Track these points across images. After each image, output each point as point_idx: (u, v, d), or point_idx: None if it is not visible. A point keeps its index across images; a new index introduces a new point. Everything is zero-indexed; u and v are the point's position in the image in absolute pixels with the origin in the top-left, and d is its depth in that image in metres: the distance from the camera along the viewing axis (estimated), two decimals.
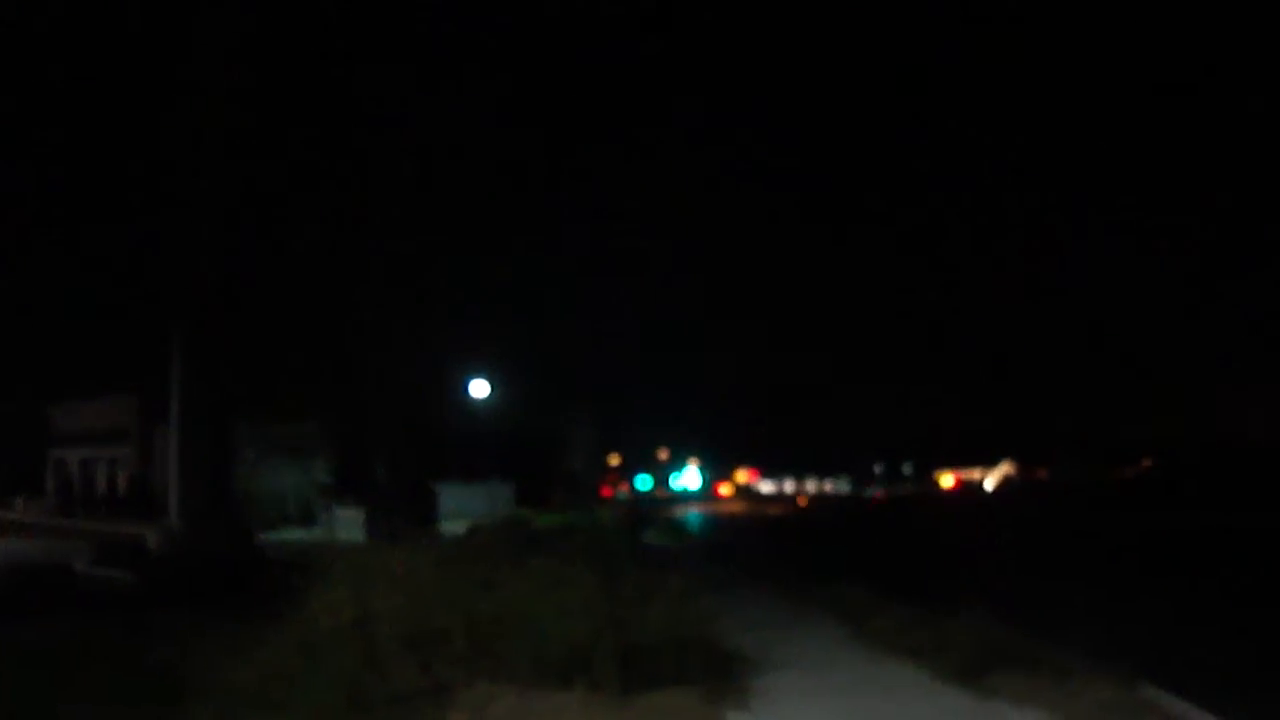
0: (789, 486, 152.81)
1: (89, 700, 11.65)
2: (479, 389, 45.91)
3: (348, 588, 12.84)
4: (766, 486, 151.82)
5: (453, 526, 33.00)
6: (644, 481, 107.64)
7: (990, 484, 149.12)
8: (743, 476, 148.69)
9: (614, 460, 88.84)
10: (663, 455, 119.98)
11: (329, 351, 37.65)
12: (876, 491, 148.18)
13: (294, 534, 34.42)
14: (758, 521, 68.10)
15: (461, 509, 36.58)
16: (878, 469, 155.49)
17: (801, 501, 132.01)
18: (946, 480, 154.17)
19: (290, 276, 32.60)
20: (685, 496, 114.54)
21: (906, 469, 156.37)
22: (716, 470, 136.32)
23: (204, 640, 12.52)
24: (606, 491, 75.17)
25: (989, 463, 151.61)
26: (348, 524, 33.90)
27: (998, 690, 11.72)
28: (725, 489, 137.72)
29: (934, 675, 12.64)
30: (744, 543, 42.95)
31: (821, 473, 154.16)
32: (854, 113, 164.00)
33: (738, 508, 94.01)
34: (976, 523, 62.29)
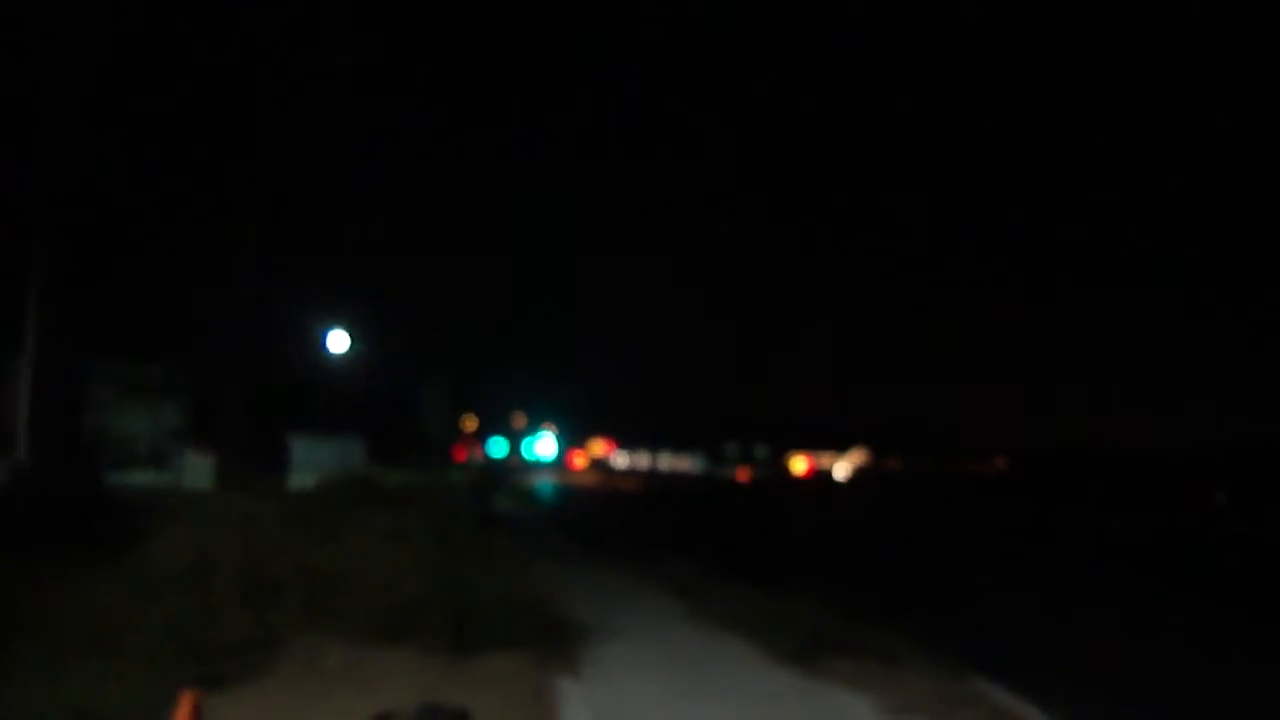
0: (644, 461, 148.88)
1: None
2: (338, 342, 45.67)
3: (188, 534, 12.89)
4: (621, 460, 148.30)
5: (302, 479, 32.85)
6: (498, 447, 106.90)
7: (841, 472, 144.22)
8: (599, 447, 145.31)
9: (470, 424, 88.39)
10: (519, 422, 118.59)
11: (189, 293, 37.29)
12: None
13: (144, 477, 34.10)
14: (613, 493, 67.82)
15: (312, 462, 36.24)
16: (732, 449, 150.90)
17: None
18: (799, 465, 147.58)
19: (153, 214, 32.18)
20: (540, 465, 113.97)
21: (760, 451, 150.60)
22: (572, 438, 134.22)
23: (42, 581, 12.51)
24: (460, 455, 74.74)
25: (840, 448, 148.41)
26: (198, 470, 33.61)
27: (829, 672, 12.05)
28: (580, 460, 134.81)
29: (768, 654, 12.98)
30: (595, 514, 43.10)
31: (677, 448, 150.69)
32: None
33: (592, 480, 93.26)
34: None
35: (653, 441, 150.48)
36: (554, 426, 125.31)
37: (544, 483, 73.66)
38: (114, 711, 8.54)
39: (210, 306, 36.59)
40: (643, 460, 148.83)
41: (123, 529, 14.19)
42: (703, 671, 12.09)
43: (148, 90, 28.03)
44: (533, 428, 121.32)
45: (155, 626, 10.54)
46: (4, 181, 26.00)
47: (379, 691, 9.88)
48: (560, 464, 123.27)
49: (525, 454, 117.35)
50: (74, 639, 10.19)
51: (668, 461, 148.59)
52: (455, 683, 10.52)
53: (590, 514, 42.61)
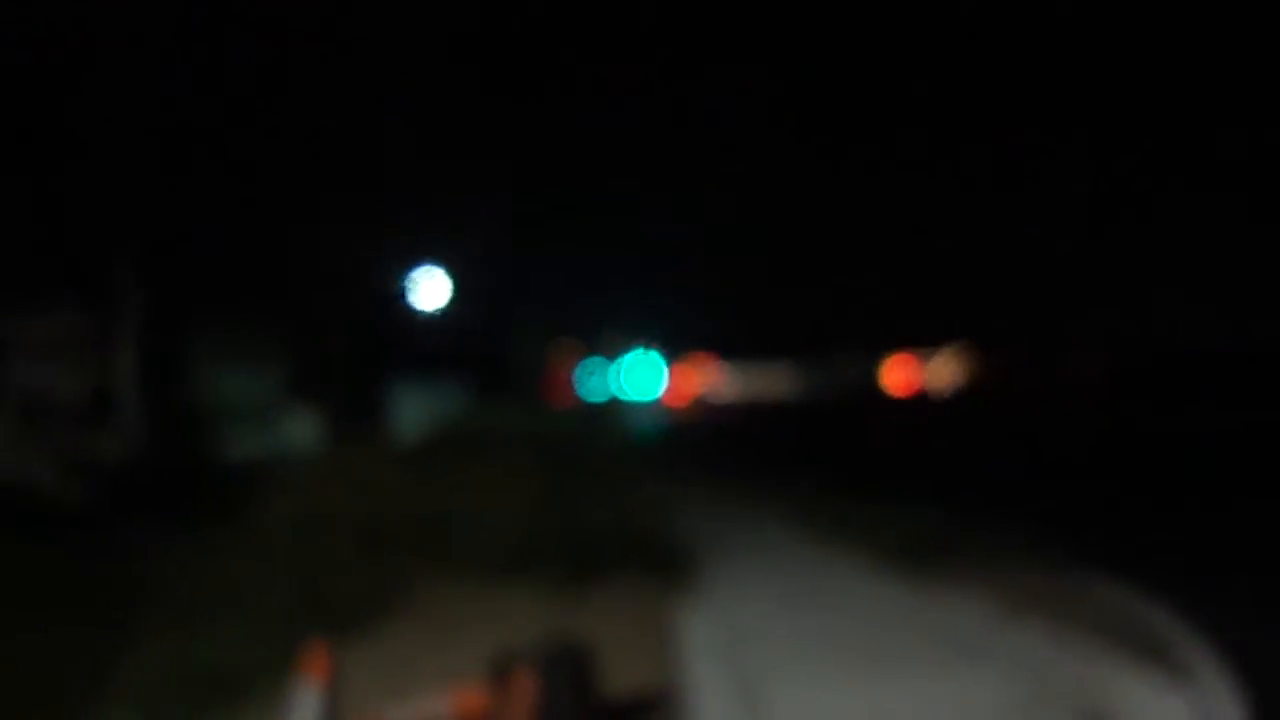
0: (760, 381, 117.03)
1: (40, 611, 11.66)
2: (435, 284, 45.27)
3: (303, 491, 13.09)
4: (725, 387, 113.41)
5: (408, 427, 33.07)
6: (597, 384, 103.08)
7: (940, 384, 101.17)
8: (702, 369, 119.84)
9: (574, 357, 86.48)
10: (617, 344, 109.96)
11: (282, 252, 37.33)
12: None
13: (251, 441, 34.38)
14: (718, 426, 65.85)
15: (417, 409, 36.40)
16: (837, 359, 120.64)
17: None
18: (894, 375, 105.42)
19: (238, 171, 32.09)
20: (642, 396, 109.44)
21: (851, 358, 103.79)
22: (673, 354, 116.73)
23: (161, 550, 12.71)
24: (563, 390, 73.59)
25: (930, 344, 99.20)
26: (304, 429, 33.92)
27: (945, 578, 12.04)
28: (681, 395, 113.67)
29: (876, 561, 13.05)
30: (701, 445, 43.02)
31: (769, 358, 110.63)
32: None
33: (695, 415, 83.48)
34: None
35: (750, 352, 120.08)
36: (656, 345, 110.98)
37: (649, 415, 72.79)
38: (242, 667, 8.70)
39: (304, 260, 36.61)
40: (758, 380, 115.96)
41: (237, 492, 14.38)
42: (819, 585, 12.19)
43: (228, 33, 27.89)
44: (631, 348, 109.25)
45: (279, 582, 10.71)
46: (100, 151, 26.19)
47: (501, 629, 9.95)
48: (661, 401, 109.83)
49: (624, 392, 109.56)
50: (198, 601, 10.37)
51: (752, 380, 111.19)
52: (575, 617, 10.60)
53: (695, 444, 42.51)
